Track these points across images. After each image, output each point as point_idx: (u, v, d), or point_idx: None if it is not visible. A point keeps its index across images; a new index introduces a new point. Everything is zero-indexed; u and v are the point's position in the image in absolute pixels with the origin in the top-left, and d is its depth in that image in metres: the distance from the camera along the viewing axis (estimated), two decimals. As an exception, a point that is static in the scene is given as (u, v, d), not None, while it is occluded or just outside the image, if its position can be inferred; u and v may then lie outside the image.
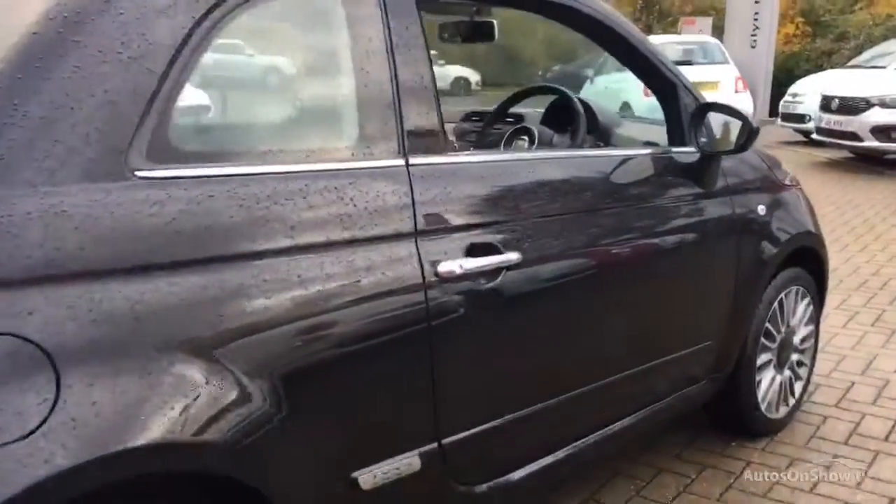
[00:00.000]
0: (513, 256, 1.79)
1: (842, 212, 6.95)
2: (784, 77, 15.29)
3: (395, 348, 1.62)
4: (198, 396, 1.31)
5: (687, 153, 2.37)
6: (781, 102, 12.28)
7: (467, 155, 1.86)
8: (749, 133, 2.27)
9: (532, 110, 2.89)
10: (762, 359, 2.76)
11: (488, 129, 2.79)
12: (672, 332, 2.40)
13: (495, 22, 2.61)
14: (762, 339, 2.73)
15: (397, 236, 1.62)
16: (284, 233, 1.46)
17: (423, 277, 1.64)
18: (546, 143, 2.48)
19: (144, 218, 1.31)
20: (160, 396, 1.26)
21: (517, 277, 1.81)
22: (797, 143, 11.77)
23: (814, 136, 10.35)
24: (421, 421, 1.72)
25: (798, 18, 21.55)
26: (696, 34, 16.10)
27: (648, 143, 2.53)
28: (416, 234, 1.65)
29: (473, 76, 24.14)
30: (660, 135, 2.49)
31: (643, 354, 2.27)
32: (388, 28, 1.69)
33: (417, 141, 1.71)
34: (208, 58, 1.46)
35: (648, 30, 22.43)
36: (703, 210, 2.38)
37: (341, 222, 1.54)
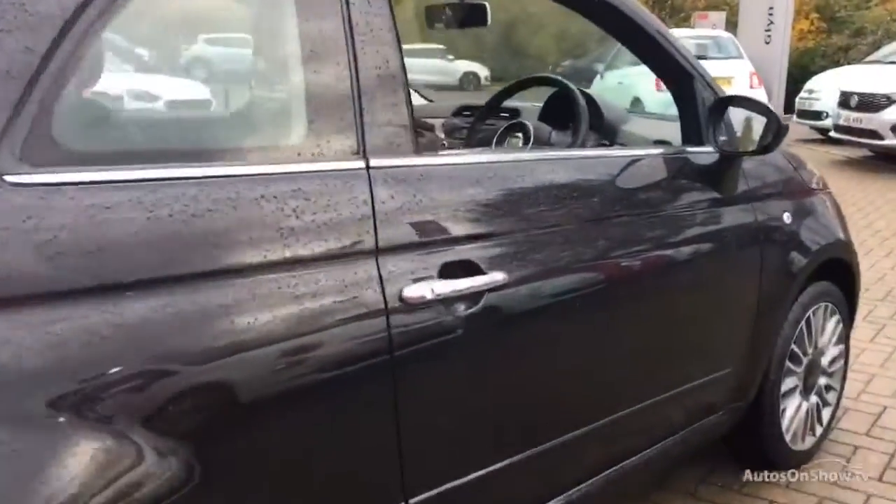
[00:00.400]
0: (497, 277, 1.50)
1: (864, 213, 6.62)
2: (799, 73, 14.96)
3: (349, 391, 1.33)
4: (85, 464, 1.02)
5: (704, 153, 2.07)
6: (797, 99, 11.96)
7: (444, 156, 1.57)
8: (776, 131, 1.96)
9: (530, 104, 2.59)
10: (787, 384, 2.45)
11: (479, 125, 2.48)
12: (686, 361, 2.10)
13: (487, 5, 2.32)
14: (787, 363, 2.43)
15: (353, 255, 1.33)
16: (206, 252, 1.17)
17: (385, 304, 1.35)
18: (543, 141, 2.18)
19: (15, 235, 1.02)
20: (31, 468, 0.98)
21: (502, 302, 1.52)
22: (814, 140, 11.40)
23: (832, 133, 10.01)
24: (383, 478, 1.43)
25: (813, 14, 21.18)
26: (709, 29, 15.74)
27: (660, 142, 2.23)
28: (378, 251, 1.36)
29: (483, 71, 23.86)
30: (673, 132, 2.19)
31: (653, 387, 1.97)
32: (347, 4, 1.40)
33: (381, 139, 1.41)
34: (110, 36, 1.17)
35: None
36: (721, 219, 2.08)
37: (282, 238, 1.25)
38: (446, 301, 1.42)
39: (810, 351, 2.52)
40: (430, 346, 1.42)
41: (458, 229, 1.48)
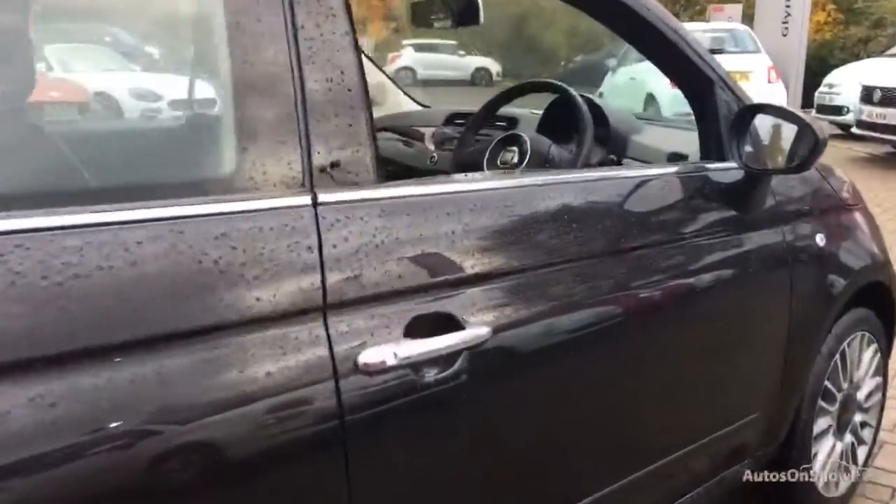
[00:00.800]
0: (478, 332, 1.23)
1: (891, 216, 6.30)
2: (817, 66, 14.60)
3: (291, 485, 1.07)
4: None
5: (726, 170, 1.79)
6: (817, 93, 11.64)
7: (413, 185, 1.29)
8: (814, 145, 1.68)
9: (528, 111, 2.32)
10: (819, 425, 2.18)
11: (469, 137, 2.20)
12: (709, 412, 1.83)
13: (479, 1, 2.05)
14: (819, 402, 2.15)
15: (294, 314, 1.07)
16: (95, 325, 0.92)
17: (335, 373, 1.09)
18: (541, 157, 1.91)
19: None
20: None
21: (485, 362, 1.25)
22: (834, 136, 11.00)
23: (854, 129, 9.68)
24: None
25: (829, 5, 20.80)
26: (725, 22, 15.38)
27: (675, 156, 1.95)
28: (326, 308, 1.10)
29: (494, 67, 23.65)
30: (690, 143, 1.92)
31: (671, 446, 1.71)
32: (290, 1, 1.14)
33: (332, 168, 1.16)
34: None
35: (675, 18, 21.66)
36: (746, 248, 1.79)
37: (200, 298, 1.00)
38: (415, 366, 1.16)
39: (845, 386, 2.24)
40: (392, 423, 1.16)
41: (430, 275, 1.22)
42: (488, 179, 1.46)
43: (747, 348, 1.88)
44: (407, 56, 22.78)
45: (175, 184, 1.09)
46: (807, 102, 12.72)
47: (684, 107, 1.97)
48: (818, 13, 19.66)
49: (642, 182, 1.63)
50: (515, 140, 1.95)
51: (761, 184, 1.82)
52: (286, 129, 1.12)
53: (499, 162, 1.96)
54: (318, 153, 1.14)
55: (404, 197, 1.24)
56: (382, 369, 1.13)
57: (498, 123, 2.30)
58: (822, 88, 11.54)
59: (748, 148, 1.79)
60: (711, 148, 1.82)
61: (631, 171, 1.68)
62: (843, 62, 13.24)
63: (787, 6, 14.45)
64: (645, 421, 1.64)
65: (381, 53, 23.00)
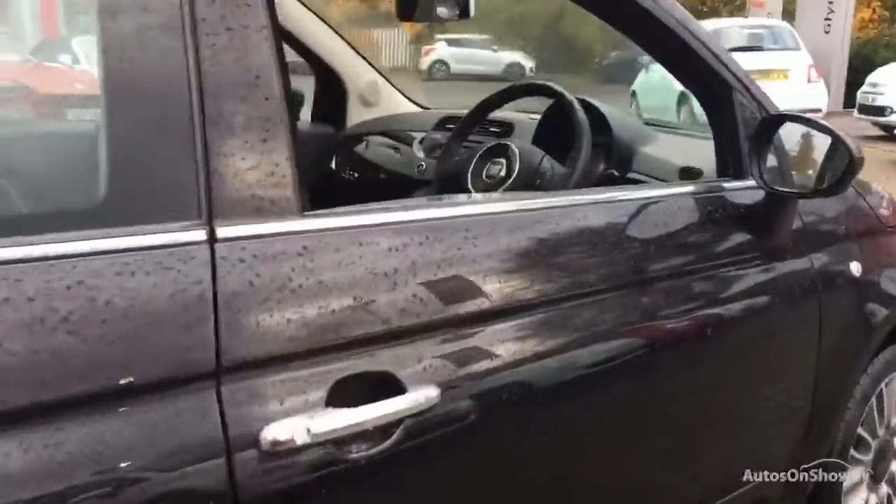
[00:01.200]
0: (424, 395, 1.00)
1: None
2: (860, 64, 14.13)
3: None
4: None
5: (744, 190, 1.53)
6: (859, 93, 11.24)
7: (343, 214, 1.04)
8: (849, 163, 1.42)
9: (527, 117, 2.08)
10: (851, 477, 1.92)
11: (455, 145, 1.94)
12: (717, 473, 1.59)
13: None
14: (852, 451, 1.89)
15: (175, 383, 0.85)
16: None
17: (228, 455, 0.86)
18: (531, 171, 1.66)
19: None
20: None
21: (433, 433, 1.02)
22: (875, 137, 10.62)
23: (897, 131, 9.31)
24: None
25: (875, 2, 20.27)
26: (764, 18, 14.96)
27: (687, 171, 1.70)
28: (219, 372, 0.87)
29: (528, 63, 23.32)
30: (706, 155, 1.66)
31: None
32: None
33: (239, 195, 0.93)
34: None
35: (714, 13, 21.20)
36: (768, 280, 1.53)
37: (40, 368, 0.78)
38: (337, 441, 0.94)
39: (881, 432, 1.98)
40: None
41: (364, 326, 0.99)
42: (444, 205, 1.21)
43: (767, 396, 1.63)
44: (440, 50, 22.64)
45: (13, 217, 0.86)
46: (849, 102, 12.31)
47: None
48: (862, 10, 19.18)
49: (643, 206, 1.38)
50: (503, 151, 1.71)
51: (786, 207, 1.56)
52: (177, 144, 0.90)
53: (484, 175, 1.71)
54: (220, 175, 0.91)
55: (334, 229, 1.01)
56: (292, 449, 0.90)
57: (492, 129, 2.06)
58: (864, 88, 11.12)
59: (772, 161, 1.53)
60: (729, 163, 1.57)
61: (630, 193, 1.43)
62: (888, 61, 12.76)
63: (830, 2, 14.05)
64: (637, 490, 1.39)
65: (416, 47, 22.86)
